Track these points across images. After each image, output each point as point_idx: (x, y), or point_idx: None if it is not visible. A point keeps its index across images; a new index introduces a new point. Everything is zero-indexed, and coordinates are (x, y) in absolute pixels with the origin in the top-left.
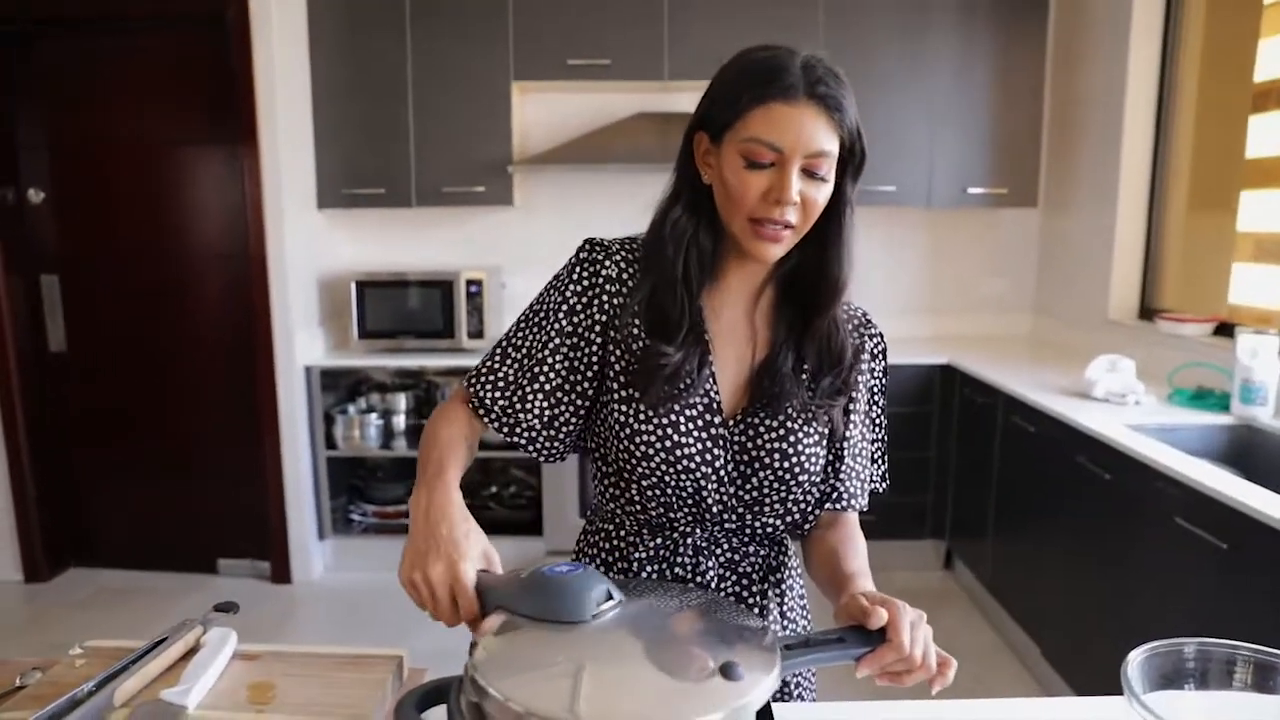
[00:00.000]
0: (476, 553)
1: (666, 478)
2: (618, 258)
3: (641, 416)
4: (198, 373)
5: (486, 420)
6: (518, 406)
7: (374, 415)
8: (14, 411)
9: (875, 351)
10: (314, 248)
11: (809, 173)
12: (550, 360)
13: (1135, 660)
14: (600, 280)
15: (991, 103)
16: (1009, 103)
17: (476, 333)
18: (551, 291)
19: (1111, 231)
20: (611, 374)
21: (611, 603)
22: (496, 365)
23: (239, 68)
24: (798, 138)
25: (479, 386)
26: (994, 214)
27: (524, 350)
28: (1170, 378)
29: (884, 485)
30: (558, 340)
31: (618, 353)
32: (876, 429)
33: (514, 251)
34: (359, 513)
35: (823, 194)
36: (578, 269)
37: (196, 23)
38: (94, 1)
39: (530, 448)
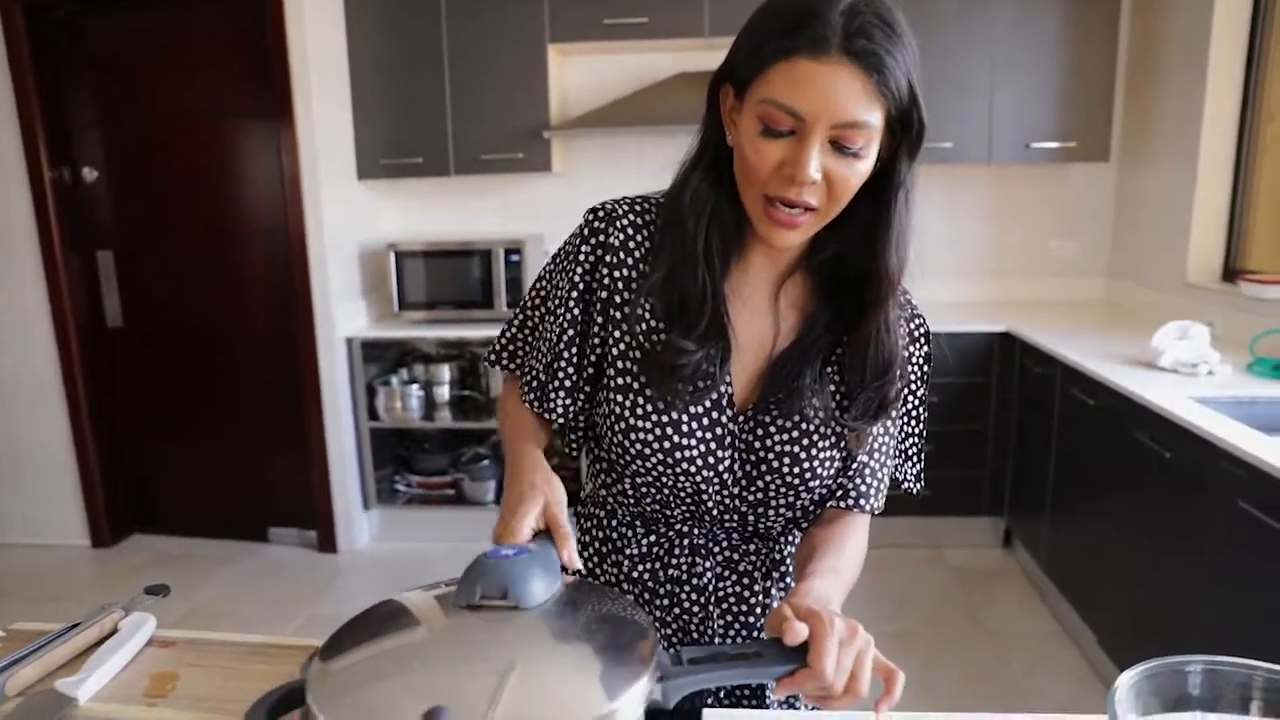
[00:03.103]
0: (537, 501)
1: (664, 478)
2: (623, 223)
3: (640, 411)
4: (247, 345)
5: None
6: (547, 407)
7: (415, 387)
8: (76, 384)
9: (917, 335)
10: (354, 219)
11: (839, 146)
12: (566, 354)
13: (1126, 683)
14: (603, 252)
15: (1059, 48)
16: (1078, 47)
17: (515, 302)
18: (560, 273)
19: (1191, 186)
20: (610, 356)
21: (505, 600)
22: (530, 361)
23: (274, 41)
24: (823, 103)
25: (523, 385)
26: (1062, 169)
27: (547, 341)
28: (1252, 345)
29: (918, 486)
30: (571, 332)
31: (617, 334)
32: (914, 422)
33: (556, 218)
34: (404, 483)
35: (856, 172)
36: (583, 246)
37: None
38: None
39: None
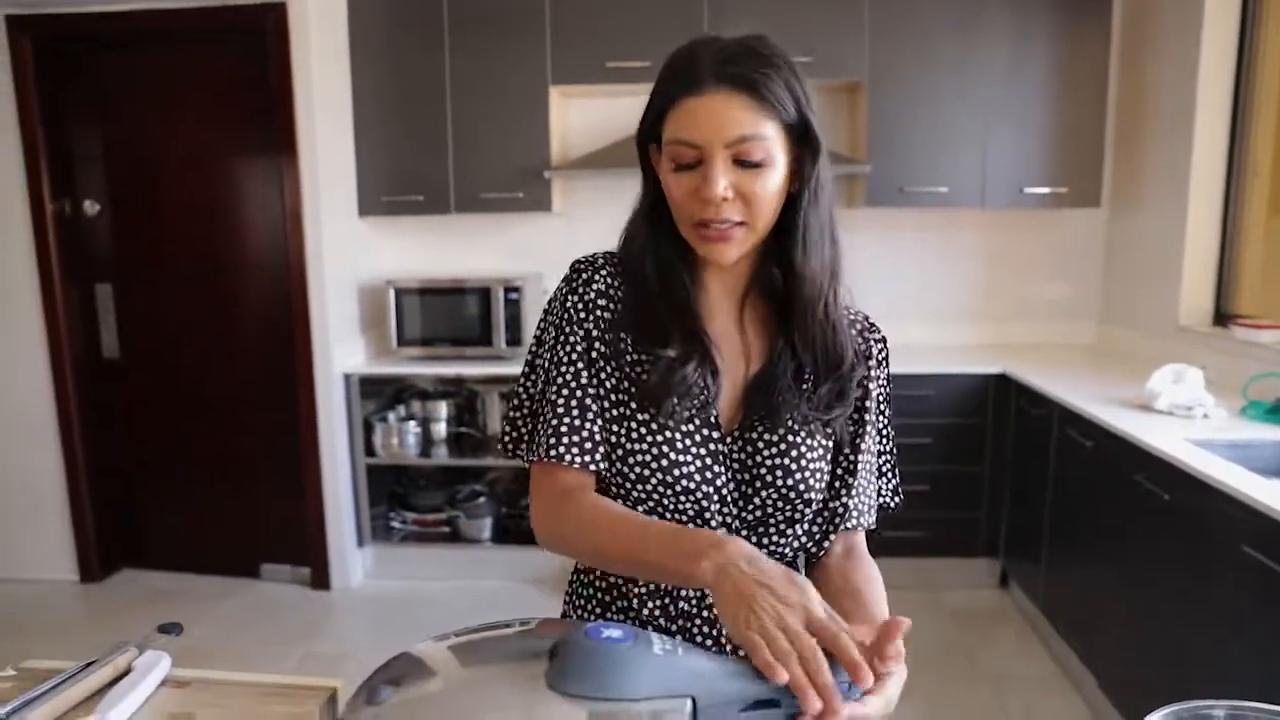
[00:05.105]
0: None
1: (665, 499)
2: (604, 271)
3: (635, 435)
4: (243, 380)
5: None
6: (589, 454)
7: (413, 423)
8: (70, 416)
9: (880, 357)
10: (354, 256)
11: (741, 162)
12: (595, 406)
13: None
14: (592, 297)
15: (1050, 95)
16: (1070, 95)
17: (514, 340)
18: (563, 330)
19: (1182, 231)
20: (602, 391)
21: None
22: (577, 422)
23: (278, 79)
24: (711, 129)
25: (564, 446)
26: (1055, 214)
27: (576, 396)
28: (1245, 389)
29: (896, 500)
30: (595, 383)
31: (608, 369)
32: (884, 440)
33: (555, 257)
34: (399, 521)
35: (765, 183)
36: (571, 297)
37: (240, 35)
38: (142, 18)
39: None
